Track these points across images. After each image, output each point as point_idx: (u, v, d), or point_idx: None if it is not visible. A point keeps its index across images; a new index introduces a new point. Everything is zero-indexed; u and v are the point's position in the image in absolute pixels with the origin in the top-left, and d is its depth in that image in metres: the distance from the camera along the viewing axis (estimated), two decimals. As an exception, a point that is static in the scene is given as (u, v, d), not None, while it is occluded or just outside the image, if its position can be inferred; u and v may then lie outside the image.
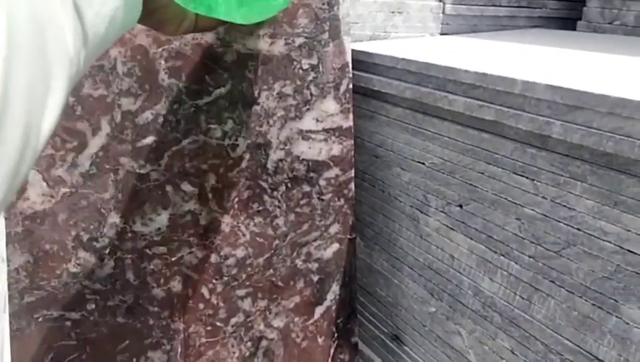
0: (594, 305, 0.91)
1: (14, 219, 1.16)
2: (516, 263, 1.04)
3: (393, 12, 1.58)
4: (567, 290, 0.95)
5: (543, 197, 0.96)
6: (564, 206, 0.93)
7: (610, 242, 0.87)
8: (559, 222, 0.94)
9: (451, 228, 1.19)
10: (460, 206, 1.15)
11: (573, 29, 1.93)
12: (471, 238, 1.14)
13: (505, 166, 1.03)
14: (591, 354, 0.92)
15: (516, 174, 1.01)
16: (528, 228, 1.00)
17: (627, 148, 0.80)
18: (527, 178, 0.99)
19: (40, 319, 1.17)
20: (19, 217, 1.16)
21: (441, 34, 1.69)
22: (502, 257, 1.07)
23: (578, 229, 0.91)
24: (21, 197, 1.16)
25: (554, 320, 0.98)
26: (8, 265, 1.18)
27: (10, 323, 1.18)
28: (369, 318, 1.50)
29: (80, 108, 1.17)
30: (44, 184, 1.16)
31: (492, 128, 1.04)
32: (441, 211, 1.21)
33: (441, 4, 1.65)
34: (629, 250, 0.84)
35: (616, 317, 0.87)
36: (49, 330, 1.18)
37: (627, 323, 0.86)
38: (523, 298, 1.04)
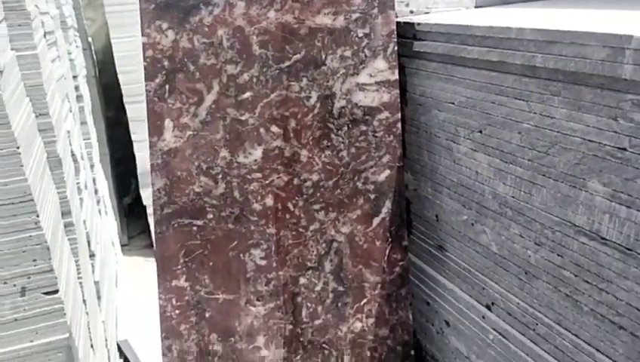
0: (570, 185, 1.25)
1: (155, 154, 1.63)
2: (520, 167, 1.39)
3: (432, -9, 1.94)
4: (553, 179, 1.29)
5: (534, 113, 1.31)
6: (548, 116, 1.27)
7: (577, 136, 1.21)
8: (545, 129, 1.29)
9: (475, 150, 1.55)
10: (480, 131, 1.51)
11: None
12: (489, 155, 1.49)
13: (508, 94, 1.38)
14: (570, 222, 1.26)
15: (516, 99, 1.36)
16: (526, 138, 1.35)
17: (583, 66, 1.14)
18: (523, 100, 1.34)
19: (175, 225, 1.65)
20: (158, 153, 1.63)
21: (476, 7, 2.03)
22: (510, 164, 1.42)
23: (558, 132, 1.26)
24: (160, 139, 1.63)
25: (546, 204, 1.32)
26: (152, 187, 1.66)
27: (154, 228, 1.66)
28: (418, 235, 1.87)
29: (198, 73, 1.63)
30: (176, 128, 1.63)
31: (498, 67, 1.40)
32: (468, 138, 1.57)
33: (474, -19, 1.99)
34: (589, 140, 1.18)
35: (585, 191, 1.21)
36: (181, 233, 1.65)
37: (591, 194, 1.20)
38: (525, 192, 1.38)
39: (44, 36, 1.98)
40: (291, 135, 1.67)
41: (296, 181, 1.68)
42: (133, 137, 3.28)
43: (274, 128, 1.66)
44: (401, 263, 1.74)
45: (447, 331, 1.78)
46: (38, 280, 1.32)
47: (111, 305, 2.73)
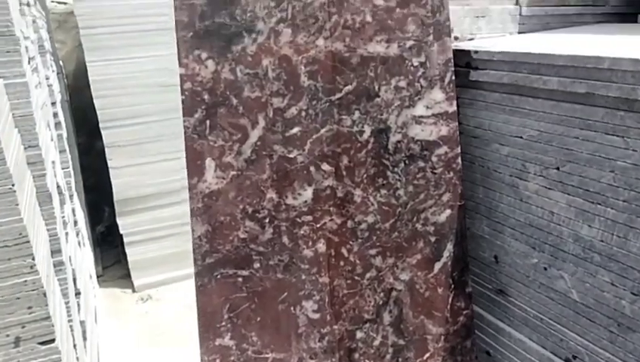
0: (683, 231, 1.13)
1: (195, 197, 1.46)
2: (612, 208, 1.27)
3: (477, 16, 1.84)
4: (658, 223, 1.17)
5: (633, 150, 1.19)
6: (652, 154, 1.16)
7: (693, 177, 1.09)
8: (648, 168, 1.17)
9: (549, 188, 1.42)
10: (558, 168, 1.39)
11: (634, 22, 2.14)
12: (568, 194, 1.37)
13: (597, 129, 1.26)
14: (683, 272, 1.14)
15: (608, 134, 1.24)
16: (621, 177, 1.23)
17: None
18: (617, 136, 1.22)
19: (218, 276, 1.47)
20: (199, 196, 1.46)
21: (519, 33, 1.93)
22: (598, 205, 1.30)
23: (665, 172, 1.14)
24: (200, 180, 1.47)
25: (649, 250, 1.20)
26: (192, 234, 1.48)
27: (195, 280, 1.48)
28: (474, 278, 1.73)
29: (241, 107, 1.47)
30: (218, 168, 1.47)
31: (583, 99, 1.28)
32: (539, 175, 1.44)
33: (518, 7, 1.90)
34: None
35: (703, 237, 1.09)
36: (225, 285, 1.48)
37: None
38: (620, 236, 1.26)
39: (29, 62, 1.83)
40: (344, 173, 1.53)
41: (350, 223, 1.53)
42: (109, 163, 3.09)
43: (325, 166, 1.52)
44: (465, 312, 1.59)
45: (514, 384, 1.64)
46: (33, 329, 1.21)
47: (93, 344, 2.56)
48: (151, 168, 3.12)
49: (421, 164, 1.56)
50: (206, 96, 1.45)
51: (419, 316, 1.56)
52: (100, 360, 2.72)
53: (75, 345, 1.64)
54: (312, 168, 1.51)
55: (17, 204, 1.15)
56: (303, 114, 1.50)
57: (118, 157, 3.10)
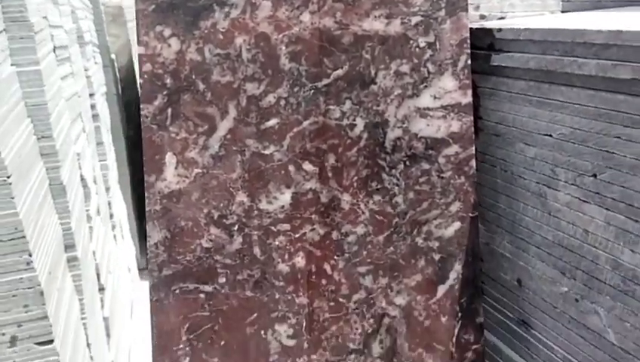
0: None
1: (153, 198, 1.26)
2: (663, 231, 0.96)
3: (509, -10, 1.54)
4: None
5: (694, 155, 0.89)
6: None
7: None
8: None
9: (584, 201, 1.12)
10: (594, 175, 1.09)
11: None
12: (607, 209, 1.07)
13: (646, 126, 0.96)
14: None
15: (660, 133, 0.94)
16: (676, 190, 0.92)
17: None
18: (673, 136, 0.92)
19: (177, 291, 1.26)
20: (157, 196, 1.25)
21: (562, 11, 1.61)
22: (645, 226, 0.99)
23: None
24: (159, 178, 1.26)
25: None
26: (148, 241, 1.28)
27: (150, 294, 1.28)
28: (492, 304, 1.45)
29: (209, 94, 1.25)
30: (179, 165, 1.26)
31: (629, 88, 0.98)
32: (572, 184, 1.15)
33: (560, -21, 1.58)
34: None
35: None
36: (185, 302, 1.26)
37: None
38: (672, 268, 0.95)
39: (54, 51, 1.78)
40: (329, 174, 1.28)
41: (335, 235, 1.28)
42: None
43: (307, 166, 1.27)
44: (474, 347, 1.31)
45: None
46: (30, 329, 1.21)
47: (123, 341, 2.49)
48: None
49: (425, 165, 1.29)
50: (168, 80, 1.24)
51: (416, 349, 1.29)
52: (131, 355, 2.64)
53: (88, 344, 1.59)
54: (291, 167, 1.27)
55: (12, 197, 1.14)
56: (283, 103, 1.26)
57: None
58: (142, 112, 1.25)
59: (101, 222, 2.32)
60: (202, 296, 1.26)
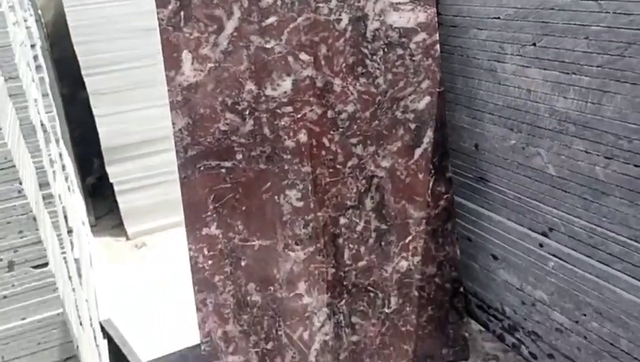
0: (654, 87, 1.15)
1: (174, 90, 1.46)
2: (586, 76, 1.28)
3: None
4: (630, 83, 1.19)
5: (606, 12, 1.20)
6: (624, 14, 1.16)
7: (664, 30, 1.10)
8: (620, 28, 1.18)
9: (527, 66, 1.43)
10: (534, 44, 1.39)
11: None
12: (545, 69, 1.38)
13: (572, -4, 1.26)
14: (653, 128, 1.17)
15: (583, 0, 1.24)
16: (595, 42, 1.24)
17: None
18: (592, 0, 1.22)
19: (201, 168, 1.49)
20: (178, 88, 1.46)
21: None
22: (573, 75, 1.31)
23: (637, 29, 1.15)
24: (178, 73, 1.46)
25: (620, 112, 1.22)
26: (173, 127, 1.48)
27: (179, 172, 1.50)
28: (454, 170, 1.76)
29: (216, -3, 1.45)
30: (195, 61, 1.46)
31: (559, -33, 1.27)
32: (517, 55, 1.45)
33: None
34: (680, 32, 1.07)
35: (673, 90, 1.11)
36: (209, 176, 1.50)
37: (681, 93, 1.10)
38: (593, 103, 1.28)
39: None
40: (322, 62, 1.52)
41: (330, 113, 1.54)
42: (94, 111, 3.05)
43: (303, 56, 1.51)
44: (445, 196, 1.63)
45: (495, 265, 1.69)
46: (25, 253, 1.21)
47: (90, 284, 2.59)
48: (136, 115, 3.07)
49: (400, 51, 1.56)
50: (179, -14, 1.43)
51: (400, 201, 1.60)
52: (97, 301, 2.77)
53: (70, 277, 1.66)
54: (290, 58, 1.50)
55: (0, 128, 1.13)
56: (279, 3, 1.48)
57: (102, 105, 3.05)
58: (157, 16, 1.44)
59: (59, 170, 2.38)
60: (223, 170, 1.50)
